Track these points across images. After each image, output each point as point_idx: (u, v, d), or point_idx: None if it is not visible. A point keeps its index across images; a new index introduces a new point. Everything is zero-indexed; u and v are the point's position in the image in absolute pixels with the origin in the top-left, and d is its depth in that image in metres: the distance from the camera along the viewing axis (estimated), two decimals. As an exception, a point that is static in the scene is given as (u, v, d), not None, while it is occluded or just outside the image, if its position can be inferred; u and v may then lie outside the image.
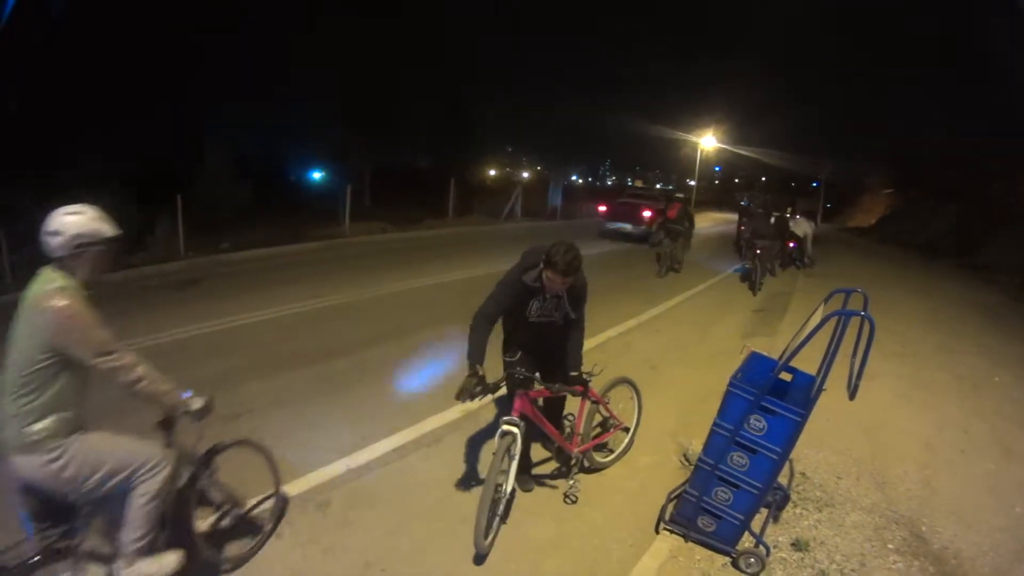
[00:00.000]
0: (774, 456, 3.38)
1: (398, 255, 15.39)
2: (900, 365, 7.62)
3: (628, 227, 21.28)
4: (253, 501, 3.80)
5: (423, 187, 26.80)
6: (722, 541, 3.65)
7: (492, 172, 42.42)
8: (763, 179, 77.12)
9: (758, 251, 12.98)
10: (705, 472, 3.60)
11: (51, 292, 2.62)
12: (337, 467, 4.65)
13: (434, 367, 6.74)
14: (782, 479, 4.23)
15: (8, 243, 11.91)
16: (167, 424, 3.16)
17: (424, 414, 5.51)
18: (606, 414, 4.71)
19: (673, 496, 4.16)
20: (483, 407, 5.33)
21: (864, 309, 3.33)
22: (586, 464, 4.59)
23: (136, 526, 2.88)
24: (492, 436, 4.10)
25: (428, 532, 3.90)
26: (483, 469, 4.60)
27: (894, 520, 4.16)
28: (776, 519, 4.04)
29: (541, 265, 3.71)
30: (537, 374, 3.97)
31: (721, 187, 74.22)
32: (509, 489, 3.74)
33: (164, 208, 14.86)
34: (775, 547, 3.74)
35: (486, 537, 3.55)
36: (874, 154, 47.91)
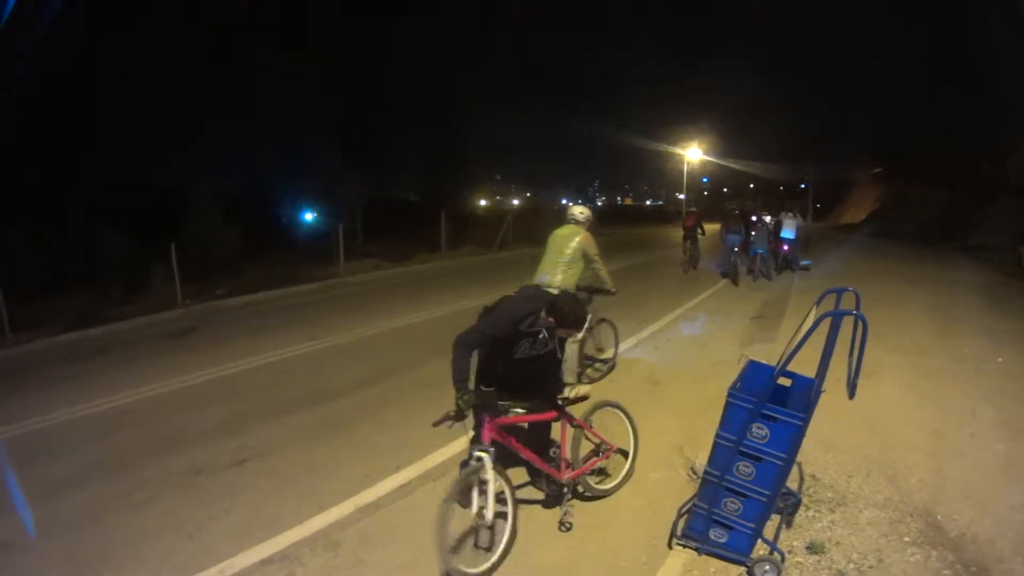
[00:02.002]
0: (779, 462, 3.37)
1: (393, 292, 15.42)
2: (902, 356, 7.61)
3: None
4: None
5: (414, 221, 26.92)
6: (736, 551, 3.62)
7: (483, 202, 42.69)
8: (751, 187, 77.58)
9: (735, 248, 15.86)
10: (712, 484, 3.58)
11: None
12: (346, 507, 4.63)
13: (435, 401, 6.70)
14: (792, 483, 4.21)
15: (6, 294, 11.93)
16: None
17: (428, 449, 5.49)
18: (595, 439, 4.61)
19: (683, 511, 4.14)
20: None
21: (856, 307, 3.34)
22: (585, 493, 4.54)
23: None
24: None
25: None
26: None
27: (909, 512, 4.13)
28: (789, 524, 4.02)
29: (542, 314, 3.89)
30: (500, 399, 3.99)
31: (710, 198, 74.53)
32: (491, 517, 3.59)
33: (157, 253, 14.94)
34: (790, 552, 3.71)
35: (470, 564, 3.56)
36: (859, 148, 48.35)
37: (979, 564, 3.55)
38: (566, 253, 6.42)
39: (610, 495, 4.68)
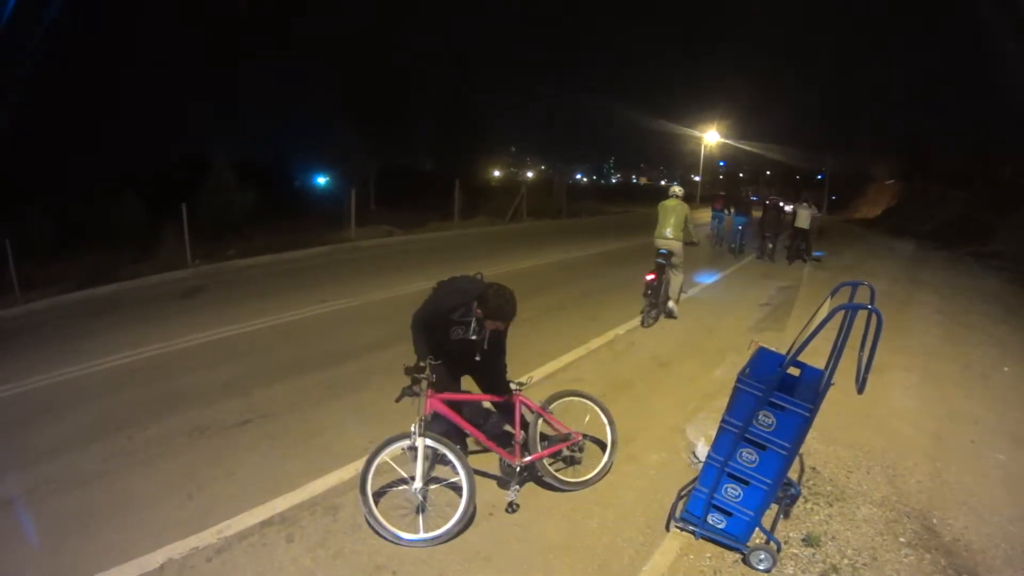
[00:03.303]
0: (784, 452, 3.37)
1: (405, 258, 15.43)
2: (909, 357, 7.58)
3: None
4: None
5: (428, 189, 26.88)
6: (733, 538, 3.64)
7: (497, 173, 42.51)
8: (767, 173, 77.02)
9: (739, 228, 18.65)
10: (715, 469, 3.59)
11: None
12: (347, 471, 4.67)
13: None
14: (792, 474, 4.21)
15: (18, 256, 11.99)
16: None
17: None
18: (556, 425, 4.54)
19: (683, 493, 4.16)
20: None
21: (871, 302, 3.31)
22: (553, 484, 4.41)
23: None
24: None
25: (439, 534, 3.90)
26: (491, 467, 4.60)
27: (905, 513, 4.13)
28: (787, 515, 4.03)
29: (474, 307, 4.05)
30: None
31: (725, 182, 74.07)
32: (419, 484, 3.83)
33: (170, 215, 14.97)
34: (786, 543, 3.72)
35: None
36: (879, 143, 47.87)
37: (971, 572, 3.55)
38: (674, 217, 9.33)
39: (584, 488, 4.51)
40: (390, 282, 11.59)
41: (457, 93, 31.79)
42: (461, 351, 4.26)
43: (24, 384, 6.84)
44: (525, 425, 4.34)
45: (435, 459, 4.15)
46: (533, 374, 4.46)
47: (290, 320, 8.96)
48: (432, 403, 3.93)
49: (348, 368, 6.97)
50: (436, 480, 4.26)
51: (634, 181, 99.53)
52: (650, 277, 9.04)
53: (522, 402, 4.36)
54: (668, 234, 9.26)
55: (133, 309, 10.31)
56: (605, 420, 4.83)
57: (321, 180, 28.41)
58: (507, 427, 4.80)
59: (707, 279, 13.43)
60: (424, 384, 3.89)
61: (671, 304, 9.57)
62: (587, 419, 4.82)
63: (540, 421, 4.40)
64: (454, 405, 4.11)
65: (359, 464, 4.72)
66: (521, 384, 4.35)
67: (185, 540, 3.85)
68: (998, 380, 7.10)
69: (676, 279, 9.57)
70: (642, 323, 9.13)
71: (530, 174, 52.30)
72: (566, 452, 4.58)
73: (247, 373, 6.86)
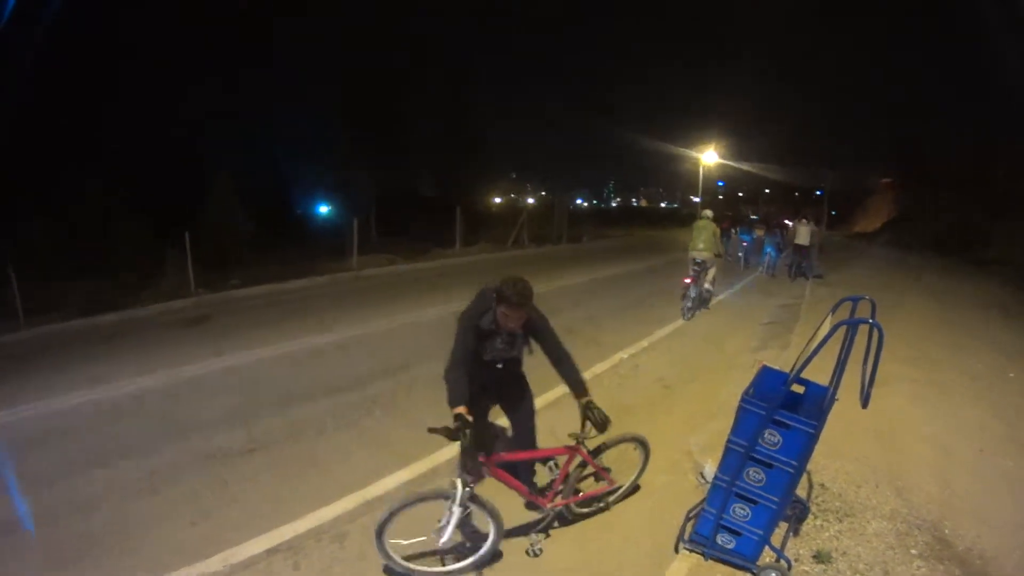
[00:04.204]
0: (790, 469, 3.36)
1: (406, 287, 15.44)
2: (913, 368, 7.56)
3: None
4: None
5: (428, 216, 26.93)
6: (742, 558, 3.61)
7: (497, 199, 42.68)
8: (766, 191, 77.31)
9: (743, 244, 20.53)
10: (722, 489, 3.57)
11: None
12: (352, 500, 4.65)
13: (445, 397, 6.69)
14: (801, 491, 4.19)
15: (19, 283, 12.03)
16: None
17: (437, 445, 5.42)
18: (603, 477, 4.38)
19: (691, 515, 4.14)
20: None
21: (872, 316, 3.32)
22: (568, 517, 4.33)
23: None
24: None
25: (446, 562, 3.87)
26: (496, 497, 4.55)
27: (916, 525, 4.11)
28: (796, 532, 4.00)
29: (493, 305, 3.76)
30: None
31: (725, 202, 74.35)
32: (446, 540, 3.54)
33: (173, 241, 15.05)
34: (796, 560, 3.70)
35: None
36: (877, 149, 48.13)
37: (986, 579, 3.54)
38: (706, 235, 11.70)
39: (589, 517, 4.45)
40: (391, 311, 11.60)
41: (459, 118, 32.02)
42: (495, 374, 4.08)
43: (27, 409, 6.84)
44: (567, 474, 4.10)
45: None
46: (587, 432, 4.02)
47: (293, 350, 8.96)
48: (491, 469, 3.64)
49: (352, 397, 6.96)
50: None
51: (635, 203, 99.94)
52: (687, 281, 11.26)
53: (579, 455, 4.05)
54: (701, 247, 11.65)
55: (138, 337, 10.33)
56: (640, 463, 4.64)
57: (323, 209, 28.52)
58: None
59: (715, 297, 13.43)
60: (469, 439, 3.40)
61: (707, 292, 12.14)
62: (624, 458, 4.69)
63: (583, 468, 4.21)
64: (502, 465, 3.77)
65: (364, 493, 4.72)
66: (578, 437, 3.94)
67: (190, 567, 3.84)
68: (1004, 387, 7.09)
69: (709, 279, 12.02)
70: (683, 317, 11.22)
71: (531, 199, 52.47)
72: (590, 496, 4.46)
73: (251, 402, 6.85)
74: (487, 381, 4.07)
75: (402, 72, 27.97)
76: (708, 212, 12.34)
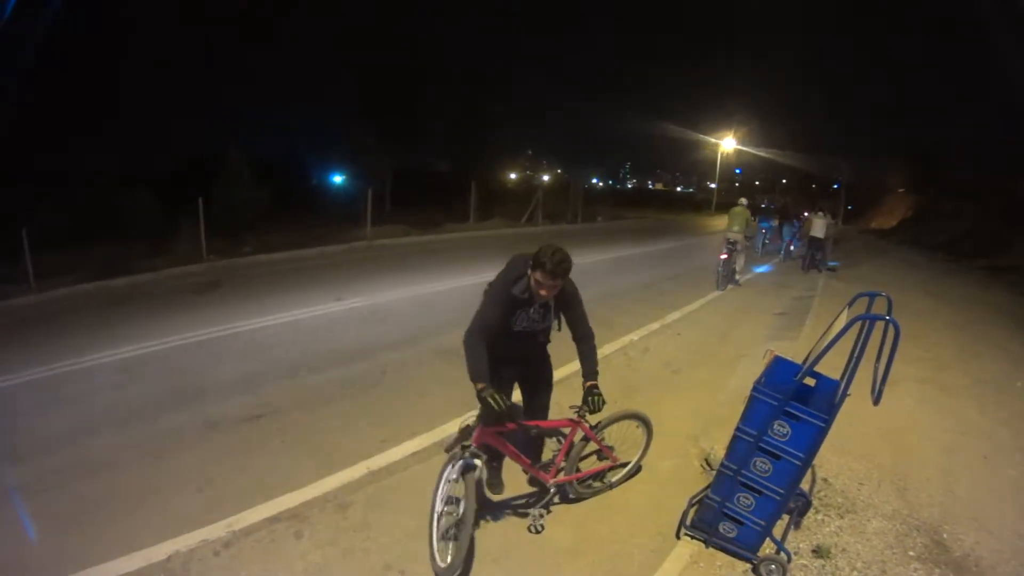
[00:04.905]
0: (797, 462, 3.35)
1: (420, 258, 15.45)
2: (922, 370, 7.52)
3: None
4: None
5: (443, 190, 26.87)
6: (743, 547, 3.62)
7: (512, 176, 42.46)
8: (784, 181, 76.70)
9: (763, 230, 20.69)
10: (728, 477, 3.57)
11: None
12: (358, 469, 4.67)
13: (454, 370, 6.72)
14: (804, 485, 4.19)
15: (36, 246, 12.09)
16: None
17: (444, 418, 5.50)
18: (605, 454, 4.43)
19: (695, 501, 4.14)
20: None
21: (888, 313, 3.29)
22: (570, 496, 4.37)
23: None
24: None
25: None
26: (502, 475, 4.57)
27: (915, 527, 4.10)
28: (798, 525, 4.01)
29: (528, 272, 3.63)
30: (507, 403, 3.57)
31: (741, 189, 73.81)
32: (462, 511, 3.44)
33: (186, 209, 15.06)
34: (796, 554, 3.70)
35: (444, 560, 3.42)
36: (894, 151, 47.62)
37: (980, 587, 3.54)
38: (740, 220, 13.58)
39: (591, 497, 4.48)
40: (404, 283, 11.61)
41: (474, 93, 31.80)
42: (521, 345, 3.98)
43: (36, 372, 6.90)
44: (569, 448, 4.11)
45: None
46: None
47: (304, 317, 8.99)
48: (482, 433, 3.59)
49: (361, 366, 6.99)
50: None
51: (650, 186, 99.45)
52: (724, 256, 12.97)
53: (581, 429, 4.05)
54: (735, 229, 13.50)
55: (148, 302, 10.39)
56: (644, 441, 4.66)
57: (337, 179, 28.47)
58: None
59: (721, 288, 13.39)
60: (500, 403, 3.33)
61: (737, 276, 13.71)
62: (627, 437, 4.67)
63: (585, 444, 4.22)
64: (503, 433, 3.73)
65: (369, 463, 4.75)
66: (579, 411, 3.93)
67: (193, 533, 3.86)
68: (1012, 395, 7.04)
69: (740, 260, 13.78)
70: (717, 287, 12.88)
71: (546, 177, 52.10)
72: (594, 473, 4.47)
73: (259, 369, 6.89)
74: (513, 352, 3.99)
75: (419, 48, 27.78)
76: (743, 200, 14.54)
